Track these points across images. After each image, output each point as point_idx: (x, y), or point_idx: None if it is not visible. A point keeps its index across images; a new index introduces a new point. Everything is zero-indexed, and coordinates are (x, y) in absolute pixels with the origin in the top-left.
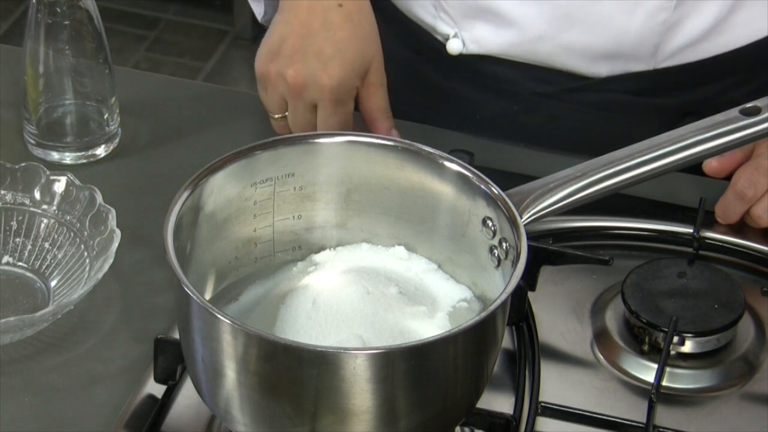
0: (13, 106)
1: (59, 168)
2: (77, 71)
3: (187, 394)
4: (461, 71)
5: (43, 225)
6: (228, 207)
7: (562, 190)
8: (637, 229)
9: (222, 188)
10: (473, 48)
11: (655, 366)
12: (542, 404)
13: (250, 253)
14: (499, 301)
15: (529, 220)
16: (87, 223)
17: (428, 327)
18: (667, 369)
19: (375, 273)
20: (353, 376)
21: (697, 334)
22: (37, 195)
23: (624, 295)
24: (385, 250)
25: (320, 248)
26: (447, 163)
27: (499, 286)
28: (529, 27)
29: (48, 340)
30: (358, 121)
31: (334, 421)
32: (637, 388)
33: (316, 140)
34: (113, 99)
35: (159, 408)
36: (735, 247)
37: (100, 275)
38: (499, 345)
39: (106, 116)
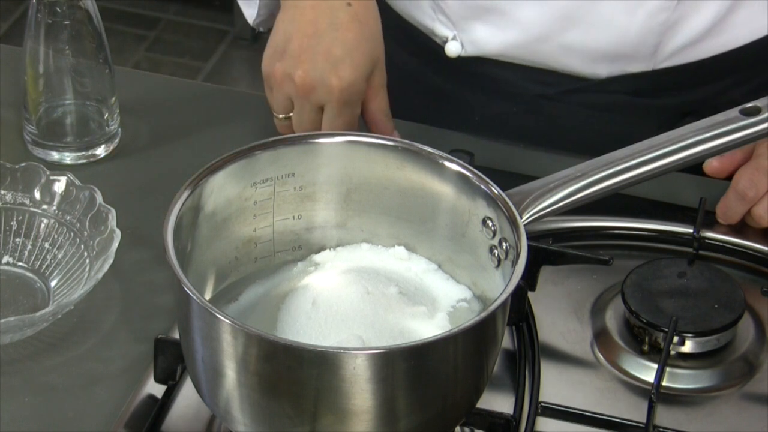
0: (13, 106)
1: (59, 168)
2: (77, 71)
3: (187, 394)
4: (460, 73)
5: (43, 225)
6: (228, 207)
7: (562, 190)
8: (637, 229)
9: (222, 188)
10: (471, 50)
11: (655, 366)
12: (542, 404)
13: (250, 253)
14: (499, 301)
15: (529, 220)
16: (87, 223)
17: (428, 327)
18: (667, 369)
19: (375, 273)
20: (353, 376)
21: (697, 334)
22: (37, 195)
23: (624, 295)
24: (385, 250)
25: (320, 248)
26: (447, 163)
27: (499, 286)
28: (529, 28)
29: (48, 340)
30: (358, 121)
31: (334, 421)
32: (637, 388)
33: (316, 140)
34: (113, 99)
35: (159, 408)
36: (735, 247)
37: (100, 275)
38: (499, 345)
39: (106, 116)
